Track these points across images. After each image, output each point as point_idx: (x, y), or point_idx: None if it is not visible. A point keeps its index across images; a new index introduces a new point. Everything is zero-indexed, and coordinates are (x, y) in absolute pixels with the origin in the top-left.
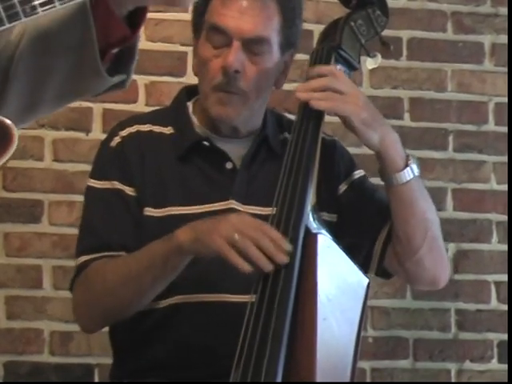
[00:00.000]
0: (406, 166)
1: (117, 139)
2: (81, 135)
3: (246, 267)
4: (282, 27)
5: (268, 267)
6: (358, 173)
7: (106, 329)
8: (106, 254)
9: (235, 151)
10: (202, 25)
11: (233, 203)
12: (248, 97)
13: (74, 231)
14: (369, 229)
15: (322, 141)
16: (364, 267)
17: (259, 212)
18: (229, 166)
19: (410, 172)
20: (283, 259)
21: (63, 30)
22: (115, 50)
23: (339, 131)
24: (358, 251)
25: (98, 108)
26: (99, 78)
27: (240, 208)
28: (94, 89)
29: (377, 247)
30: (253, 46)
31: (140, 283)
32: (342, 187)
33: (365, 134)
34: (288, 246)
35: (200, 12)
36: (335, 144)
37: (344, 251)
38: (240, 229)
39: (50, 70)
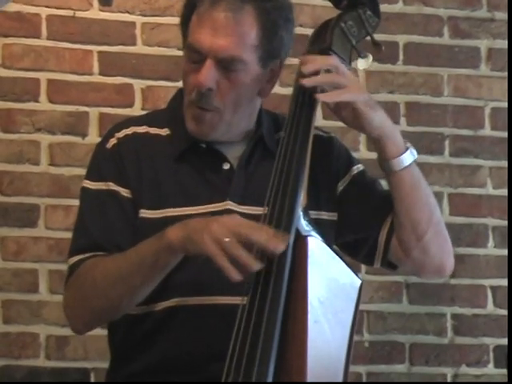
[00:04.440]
0: (406, 150)
1: (112, 141)
2: (77, 139)
3: (233, 273)
4: (261, 42)
5: (255, 265)
6: (357, 168)
7: (104, 332)
8: (98, 253)
9: (232, 152)
10: (186, 36)
11: (229, 204)
12: (223, 113)
13: (71, 235)
14: (372, 221)
15: (319, 138)
16: (369, 259)
17: (256, 212)
18: (226, 166)
19: (410, 155)
20: (278, 246)
21: None
22: None
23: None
24: (362, 245)
25: (94, 112)
26: None
27: (237, 209)
28: None
29: (381, 238)
30: (226, 63)
31: (130, 282)
32: (342, 184)
33: (368, 113)
34: (284, 237)
35: (185, 22)
36: (332, 141)
37: (337, 252)
38: (231, 230)
39: None
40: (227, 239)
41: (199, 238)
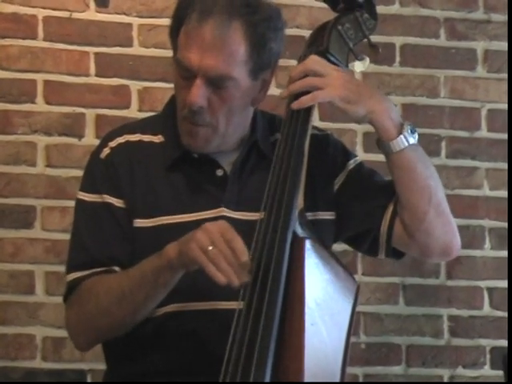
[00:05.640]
0: (400, 133)
1: (106, 150)
2: (74, 141)
3: (221, 279)
4: (250, 56)
5: (235, 282)
6: (354, 161)
7: None
8: (97, 270)
9: (226, 158)
10: (175, 48)
11: (224, 210)
12: (216, 127)
13: (67, 237)
14: (372, 213)
15: (315, 137)
16: (373, 250)
17: (250, 218)
18: (219, 173)
19: (404, 140)
20: (235, 282)
21: None
22: None
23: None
24: (364, 238)
25: (90, 114)
26: None
27: (231, 215)
28: None
29: (383, 228)
30: (216, 81)
31: (133, 301)
32: (339, 180)
33: (350, 110)
34: (245, 258)
35: (174, 34)
36: (327, 139)
37: (334, 255)
38: (212, 237)
39: None
40: (210, 248)
41: (189, 250)
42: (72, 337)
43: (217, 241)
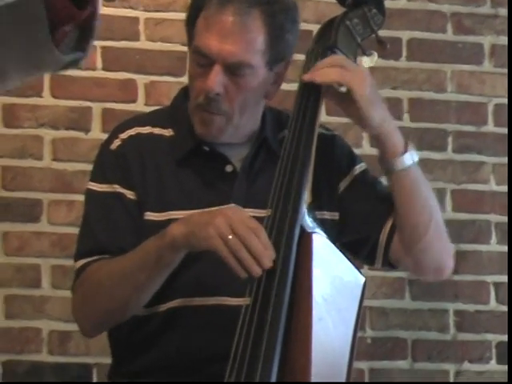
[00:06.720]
0: (406, 151)
1: (117, 142)
2: (80, 135)
3: (242, 273)
4: (268, 46)
5: (256, 271)
6: (359, 167)
7: None
8: (104, 256)
9: (235, 154)
10: (191, 37)
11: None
12: (231, 116)
13: (73, 231)
14: (373, 221)
15: (322, 136)
16: (370, 259)
17: (258, 215)
18: (229, 169)
19: (410, 157)
20: (266, 264)
21: (13, 5)
22: (68, 28)
23: (338, 131)
24: (363, 245)
25: (97, 108)
26: (50, 55)
27: None
28: (48, 65)
29: (382, 238)
30: (234, 68)
31: (135, 281)
32: (344, 183)
33: (367, 110)
34: (272, 254)
35: (190, 23)
36: (335, 139)
37: (341, 250)
38: (233, 225)
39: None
40: (230, 236)
41: (204, 233)
42: (78, 322)
43: (238, 227)
